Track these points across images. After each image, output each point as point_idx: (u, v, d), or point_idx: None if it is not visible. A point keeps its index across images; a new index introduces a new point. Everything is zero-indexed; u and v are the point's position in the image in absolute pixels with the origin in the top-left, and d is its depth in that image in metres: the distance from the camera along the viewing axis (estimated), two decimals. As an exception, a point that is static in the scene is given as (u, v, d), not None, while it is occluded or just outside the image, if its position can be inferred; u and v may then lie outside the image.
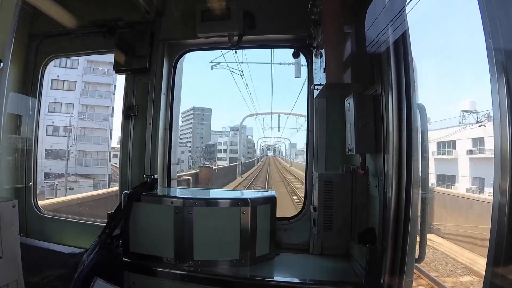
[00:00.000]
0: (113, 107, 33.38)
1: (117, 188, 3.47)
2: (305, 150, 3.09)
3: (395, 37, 2.03)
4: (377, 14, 2.14)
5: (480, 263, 8.38)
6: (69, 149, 30.09)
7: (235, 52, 8.28)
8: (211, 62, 23.29)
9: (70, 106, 31.50)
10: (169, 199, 2.58)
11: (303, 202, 3.21)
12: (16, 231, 1.82)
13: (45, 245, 3.12)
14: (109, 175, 32.37)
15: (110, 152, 33.44)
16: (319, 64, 2.49)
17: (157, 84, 3.17)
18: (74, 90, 31.96)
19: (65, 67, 30.78)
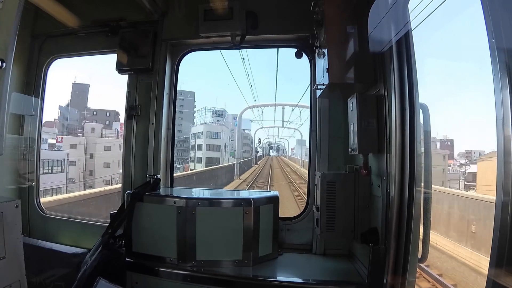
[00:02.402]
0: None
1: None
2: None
3: (397, 37, 2.03)
4: (380, 14, 2.14)
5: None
6: None
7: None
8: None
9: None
10: (172, 199, 2.59)
11: (305, 202, 3.20)
12: (19, 231, 1.81)
13: (47, 245, 3.12)
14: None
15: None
16: (321, 64, 2.49)
17: (159, 84, 3.17)
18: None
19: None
